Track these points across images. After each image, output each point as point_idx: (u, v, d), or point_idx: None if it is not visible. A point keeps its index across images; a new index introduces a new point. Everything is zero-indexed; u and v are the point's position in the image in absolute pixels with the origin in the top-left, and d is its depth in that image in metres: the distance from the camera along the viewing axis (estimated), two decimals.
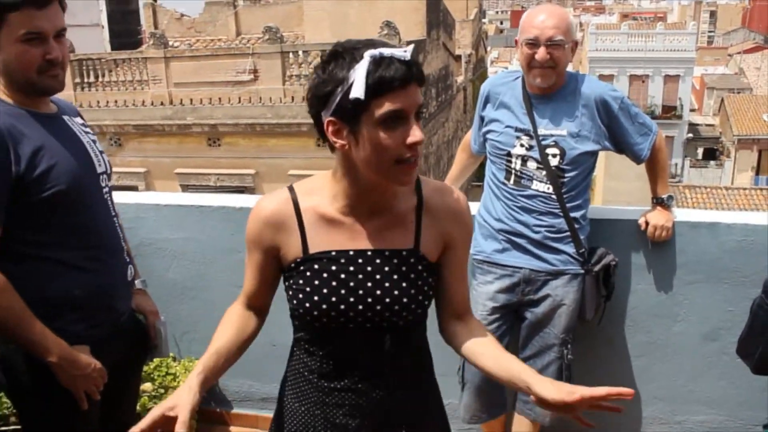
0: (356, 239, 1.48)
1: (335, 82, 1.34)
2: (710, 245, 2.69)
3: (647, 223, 2.59)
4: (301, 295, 1.48)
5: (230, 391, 3.41)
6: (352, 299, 1.46)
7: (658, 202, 2.61)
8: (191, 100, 15.49)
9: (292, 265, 1.50)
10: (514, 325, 2.59)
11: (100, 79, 16.27)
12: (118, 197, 3.38)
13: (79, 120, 1.97)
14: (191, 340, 3.36)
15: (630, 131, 2.41)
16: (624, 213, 2.74)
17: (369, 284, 1.47)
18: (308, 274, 1.48)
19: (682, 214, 2.74)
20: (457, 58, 20.14)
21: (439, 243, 1.53)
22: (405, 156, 1.37)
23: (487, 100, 2.57)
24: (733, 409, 2.84)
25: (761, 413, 2.64)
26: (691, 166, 35.55)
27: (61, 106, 1.94)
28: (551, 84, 2.39)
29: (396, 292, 1.47)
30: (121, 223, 2.11)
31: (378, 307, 1.47)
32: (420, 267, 1.50)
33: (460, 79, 20.35)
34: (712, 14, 75.60)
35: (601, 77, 33.47)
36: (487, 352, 1.57)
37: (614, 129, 2.41)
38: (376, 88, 1.31)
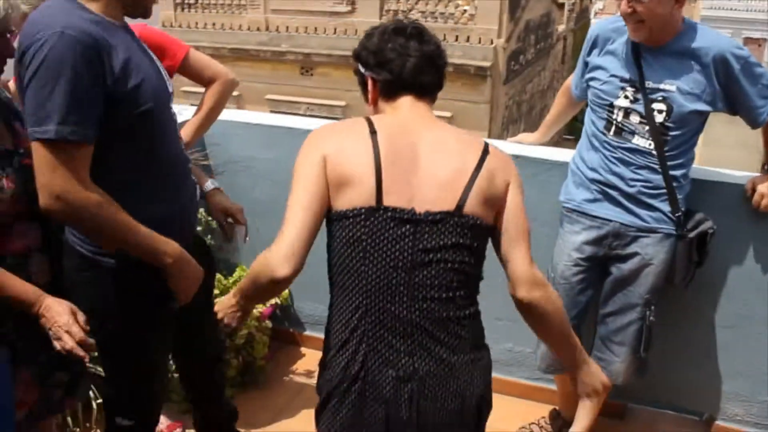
0: None
1: None
2: None
3: (754, 190, 2.43)
4: None
5: (304, 313, 3.47)
6: None
7: None
8: (287, 27, 15.56)
9: None
10: (600, 279, 2.50)
11: (200, 0, 16.47)
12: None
13: None
14: None
15: (750, 93, 2.21)
16: (729, 176, 2.57)
17: None
18: None
19: None
20: (561, 5, 19.38)
21: None
22: None
23: (593, 45, 2.42)
24: None
25: None
26: None
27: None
28: (644, 40, 2.23)
29: None
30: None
31: None
32: None
33: (561, 27, 19.64)
34: None
35: None
36: None
37: (732, 90, 2.22)
38: None
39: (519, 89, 16.28)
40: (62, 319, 1.63)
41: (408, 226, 1.48)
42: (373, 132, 1.53)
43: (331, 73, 15.47)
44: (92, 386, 2.73)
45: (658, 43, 2.24)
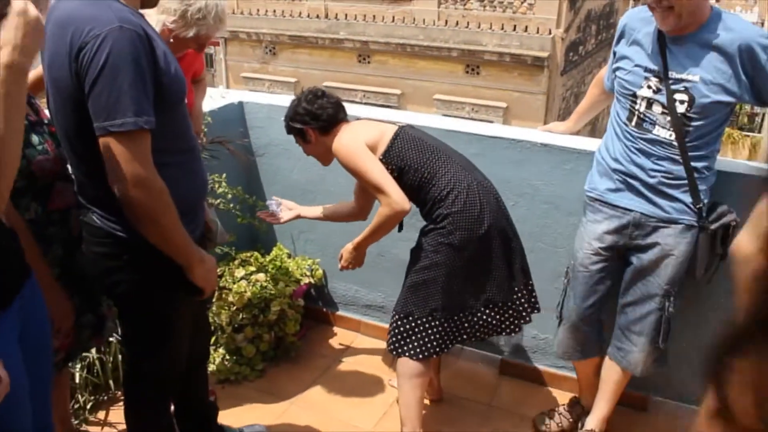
0: None
1: None
2: None
3: None
4: None
5: (337, 293, 3.58)
6: None
7: None
8: (346, 15, 15.66)
9: None
10: (619, 269, 2.52)
11: None
12: (253, 97, 3.55)
13: None
14: (306, 240, 3.53)
15: None
16: (756, 168, 2.55)
17: None
18: None
19: None
20: None
21: None
22: None
23: (621, 35, 2.42)
24: None
25: None
26: None
27: None
28: (673, 28, 2.20)
29: None
30: None
31: None
32: None
33: None
34: None
35: None
36: None
37: (759, 81, 2.18)
38: None
39: (577, 80, 16.04)
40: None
41: (415, 129, 2.59)
42: (358, 119, 2.67)
43: (388, 61, 15.53)
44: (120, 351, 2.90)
45: (684, 32, 2.22)
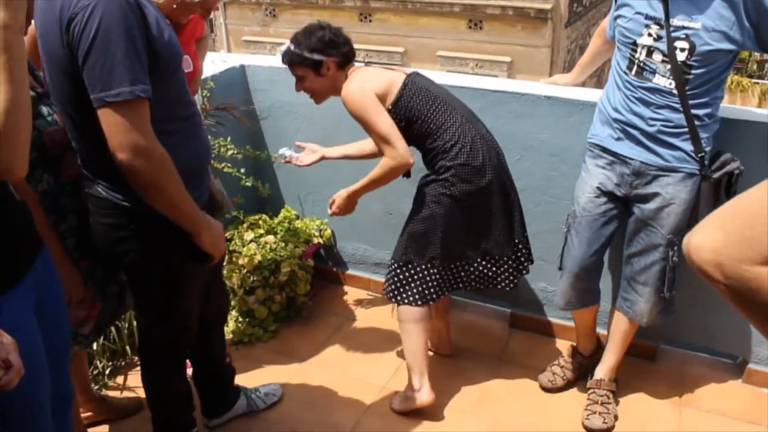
0: None
1: None
2: None
3: None
4: None
5: (346, 253, 3.61)
6: None
7: None
8: None
9: None
10: (623, 215, 2.54)
11: None
12: (255, 60, 3.54)
13: None
14: (314, 201, 3.55)
15: None
16: (760, 115, 2.53)
17: None
18: None
19: None
20: None
21: None
22: None
23: None
24: None
25: None
26: None
27: None
28: None
29: None
30: None
31: None
32: None
33: None
34: None
35: None
36: None
37: (763, 27, 2.14)
38: None
39: (582, 32, 15.81)
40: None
41: (422, 77, 2.59)
42: (369, 65, 2.60)
43: (389, 18, 15.33)
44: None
45: None
